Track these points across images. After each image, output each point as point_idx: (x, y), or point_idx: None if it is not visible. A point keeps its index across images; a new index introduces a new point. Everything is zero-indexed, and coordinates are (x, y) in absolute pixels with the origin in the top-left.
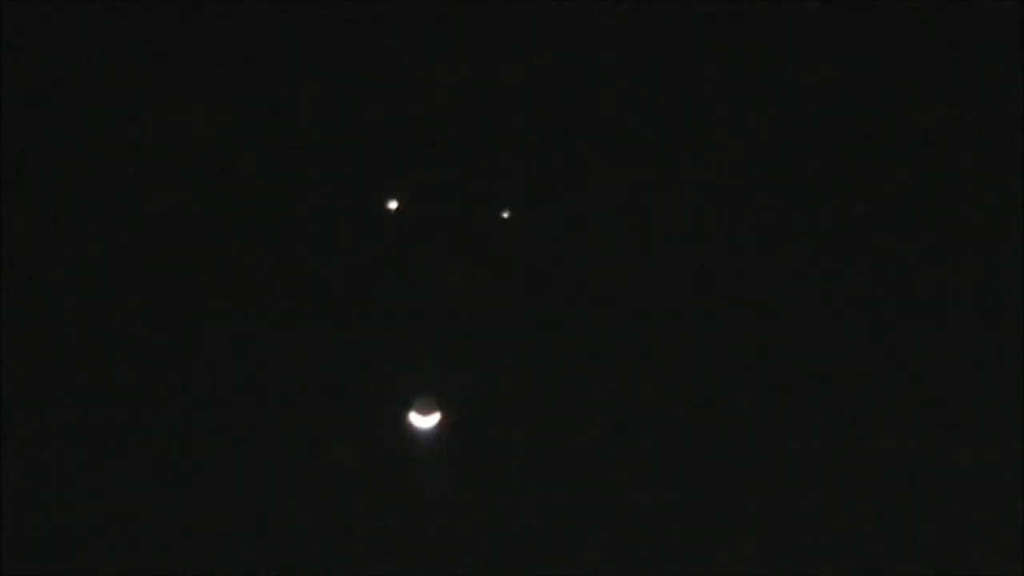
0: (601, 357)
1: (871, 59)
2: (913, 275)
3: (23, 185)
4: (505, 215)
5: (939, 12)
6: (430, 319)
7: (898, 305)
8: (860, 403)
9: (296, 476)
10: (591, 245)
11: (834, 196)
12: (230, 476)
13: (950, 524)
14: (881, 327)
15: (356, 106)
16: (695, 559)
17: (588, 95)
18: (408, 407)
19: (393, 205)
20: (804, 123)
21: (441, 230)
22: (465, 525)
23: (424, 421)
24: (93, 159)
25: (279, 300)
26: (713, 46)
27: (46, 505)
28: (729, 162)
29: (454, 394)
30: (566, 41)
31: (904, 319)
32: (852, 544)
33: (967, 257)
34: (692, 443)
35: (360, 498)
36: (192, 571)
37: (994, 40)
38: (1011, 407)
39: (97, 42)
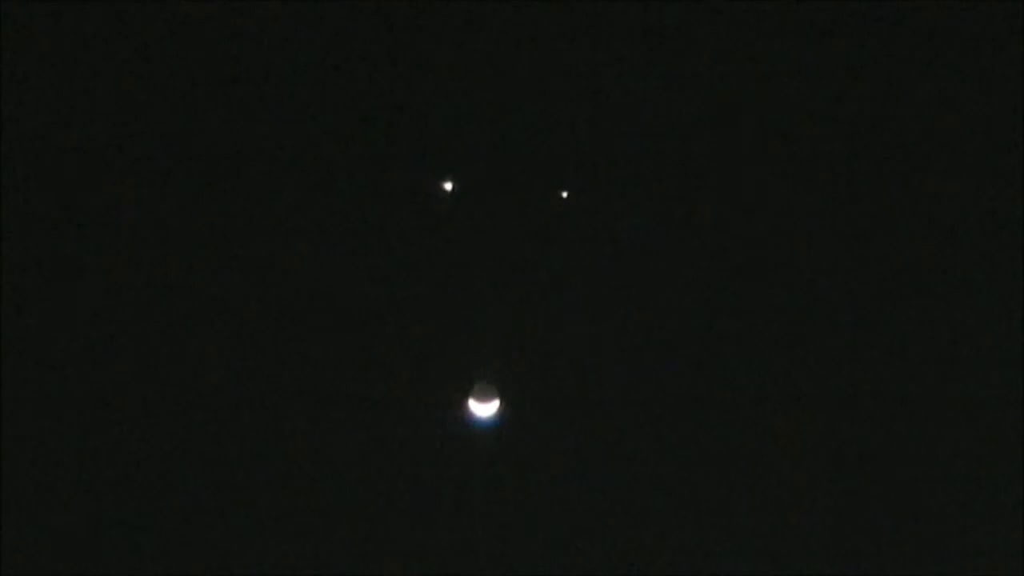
0: (665, 342)
1: (871, 59)
2: (913, 275)
3: (23, 185)
4: (564, 195)
5: (939, 12)
6: (485, 305)
7: (898, 305)
8: (860, 403)
9: (346, 468)
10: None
11: (834, 196)
12: (267, 466)
13: (950, 524)
14: (881, 327)
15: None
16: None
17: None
18: (466, 394)
19: (448, 187)
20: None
21: (498, 212)
22: (523, 523)
23: (483, 409)
24: (108, 155)
25: (330, 283)
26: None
27: (47, 505)
28: (732, 160)
29: (516, 379)
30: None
31: (904, 319)
32: (853, 543)
33: (967, 257)
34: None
35: (413, 492)
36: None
37: (994, 40)
38: (1012, 407)
39: (95, 41)
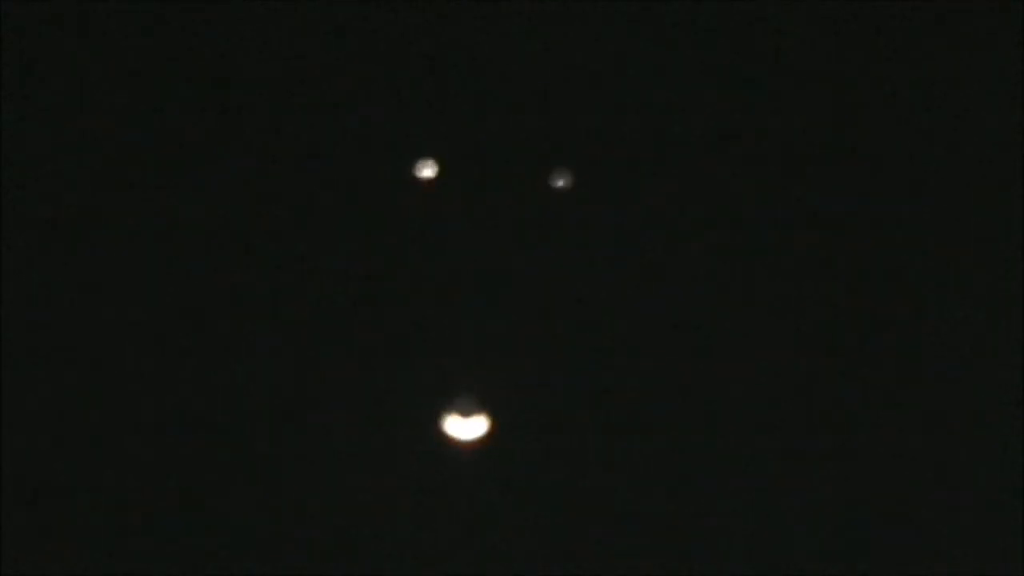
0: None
1: (870, 60)
2: (914, 274)
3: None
4: (559, 183)
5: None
6: (469, 305)
7: (898, 305)
8: (860, 404)
9: (313, 495)
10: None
11: (835, 195)
12: (237, 485)
13: (950, 524)
14: (881, 328)
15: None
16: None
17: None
18: (447, 409)
19: (425, 173)
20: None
21: (481, 203)
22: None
23: (466, 427)
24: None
25: (297, 287)
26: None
27: (48, 505)
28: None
29: (502, 393)
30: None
31: (904, 320)
32: (854, 545)
33: (967, 257)
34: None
35: (387, 521)
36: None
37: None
38: (1011, 407)
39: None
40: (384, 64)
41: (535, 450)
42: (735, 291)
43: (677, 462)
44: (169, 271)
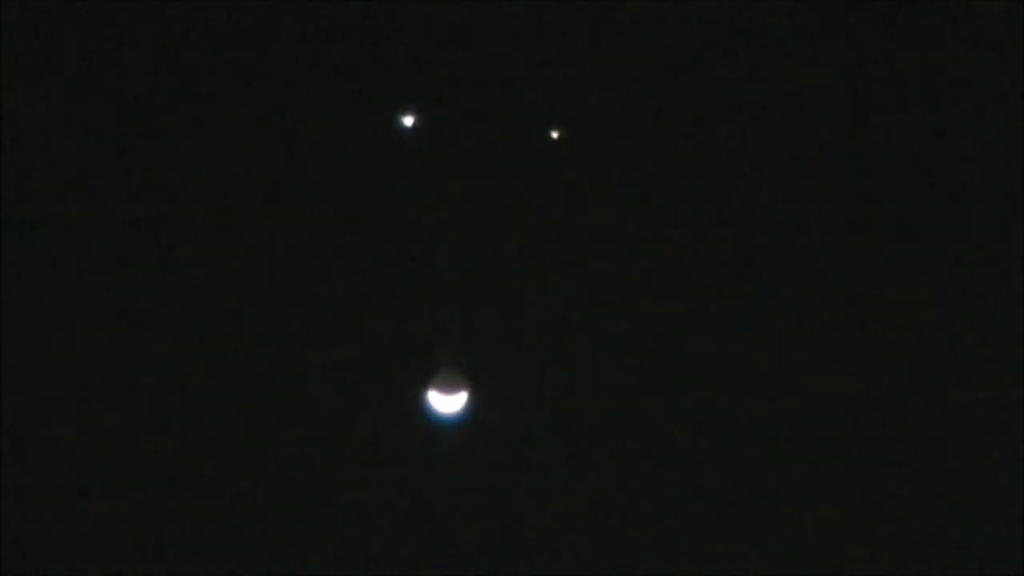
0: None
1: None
2: (914, 275)
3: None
4: (554, 135)
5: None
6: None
7: (898, 306)
8: (861, 404)
9: (303, 473)
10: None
11: (836, 195)
12: (234, 467)
13: (950, 524)
14: (881, 328)
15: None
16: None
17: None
18: (428, 384)
19: (408, 121)
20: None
21: (472, 153)
22: (490, 531)
23: (448, 402)
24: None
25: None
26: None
27: (50, 506)
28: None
29: (484, 368)
30: None
31: (905, 320)
32: (855, 545)
33: (967, 256)
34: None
35: (375, 498)
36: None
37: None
38: (1011, 407)
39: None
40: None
41: (515, 422)
42: (729, 269)
43: (662, 433)
44: (153, 250)
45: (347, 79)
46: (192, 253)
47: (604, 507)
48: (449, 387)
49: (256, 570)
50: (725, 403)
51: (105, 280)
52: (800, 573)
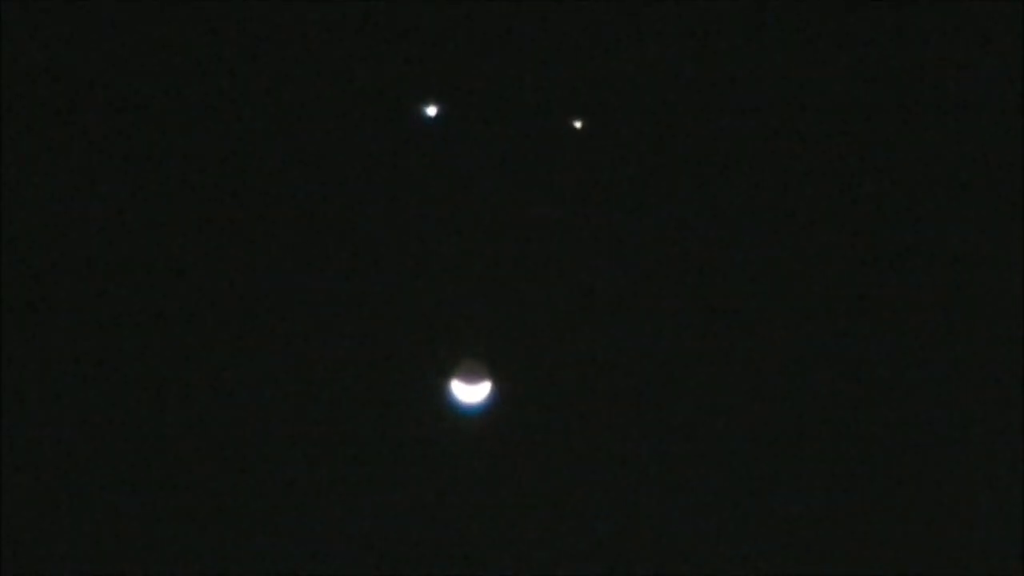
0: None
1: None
2: (914, 275)
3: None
4: (577, 125)
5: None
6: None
7: (899, 306)
8: (860, 405)
9: (323, 466)
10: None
11: (835, 196)
12: (247, 447)
13: (949, 525)
14: (882, 329)
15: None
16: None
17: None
18: (451, 375)
19: (431, 111)
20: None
21: (493, 144)
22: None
23: (471, 392)
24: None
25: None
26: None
27: (51, 506)
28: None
29: (507, 357)
30: None
31: (905, 321)
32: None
33: (968, 258)
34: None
35: (390, 489)
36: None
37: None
38: (1012, 407)
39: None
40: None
41: (538, 413)
42: (746, 260)
43: (681, 423)
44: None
45: (364, 69)
46: (213, 235)
47: (630, 497)
48: (472, 378)
49: (272, 557)
50: (756, 391)
51: (106, 274)
52: (801, 573)
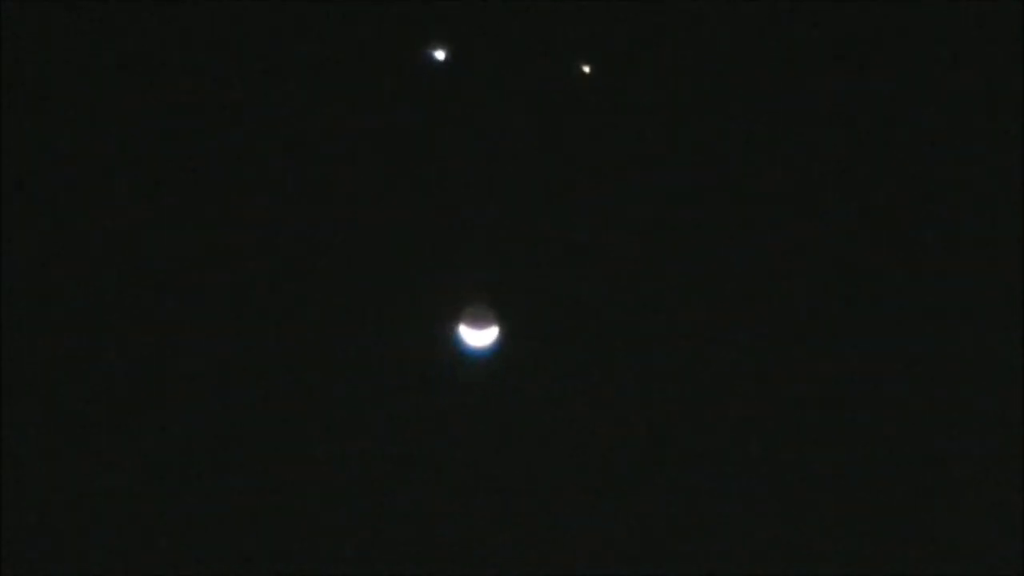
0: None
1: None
2: (914, 275)
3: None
4: (586, 69)
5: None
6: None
7: (899, 307)
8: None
9: (323, 420)
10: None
11: (835, 196)
12: (260, 391)
13: (950, 524)
14: (882, 329)
15: None
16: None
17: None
18: (457, 319)
19: (440, 55)
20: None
21: (501, 87)
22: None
23: (478, 336)
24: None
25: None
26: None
27: (47, 505)
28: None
29: (513, 302)
30: None
31: (904, 321)
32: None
33: (968, 258)
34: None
35: (396, 435)
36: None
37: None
38: (1012, 408)
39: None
40: None
41: (545, 358)
42: (747, 213)
43: (681, 377)
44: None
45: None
46: (224, 192)
47: (634, 449)
48: (479, 322)
49: (281, 511)
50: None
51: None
52: (802, 573)
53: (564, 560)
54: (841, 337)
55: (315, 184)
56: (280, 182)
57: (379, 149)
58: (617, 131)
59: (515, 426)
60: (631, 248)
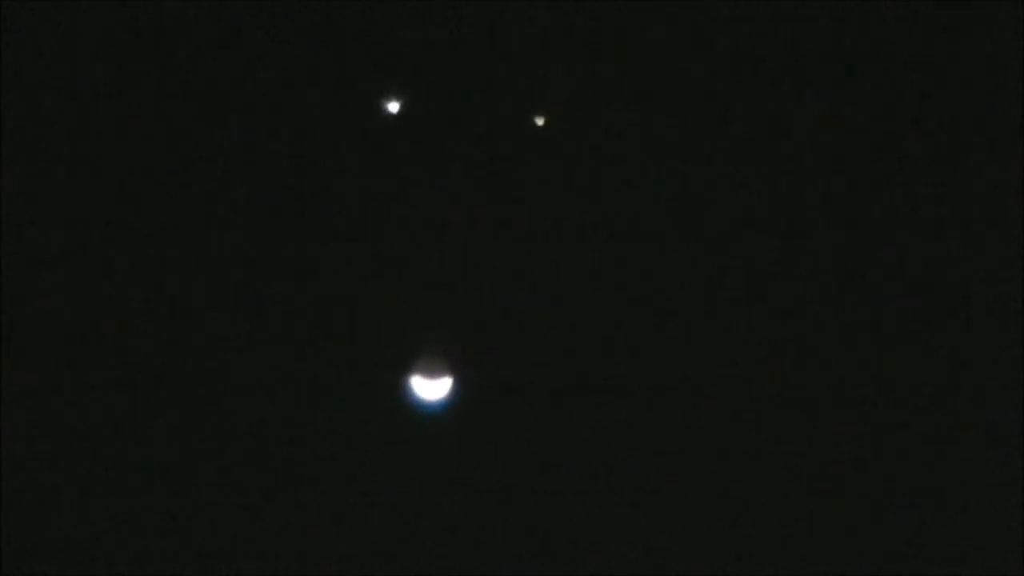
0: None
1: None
2: (915, 275)
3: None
4: (539, 122)
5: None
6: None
7: (900, 306)
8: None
9: (289, 459)
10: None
11: (834, 197)
12: (212, 448)
13: (950, 524)
14: (882, 330)
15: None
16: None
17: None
18: (410, 370)
19: (392, 107)
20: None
21: (456, 140)
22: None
23: (430, 387)
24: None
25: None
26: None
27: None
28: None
29: (471, 352)
30: None
31: (906, 320)
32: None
33: (968, 258)
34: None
35: (347, 487)
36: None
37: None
38: (1012, 408)
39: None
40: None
41: (498, 409)
42: (710, 261)
43: (643, 419)
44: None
45: (335, 66)
46: (178, 245)
47: (591, 495)
48: (432, 374)
49: (239, 556)
50: (715, 389)
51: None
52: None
53: None
54: (834, 342)
55: (266, 236)
56: (234, 233)
57: (337, 200)
58: (569, 180)
59: (470, 482)
60: (585, 290)
